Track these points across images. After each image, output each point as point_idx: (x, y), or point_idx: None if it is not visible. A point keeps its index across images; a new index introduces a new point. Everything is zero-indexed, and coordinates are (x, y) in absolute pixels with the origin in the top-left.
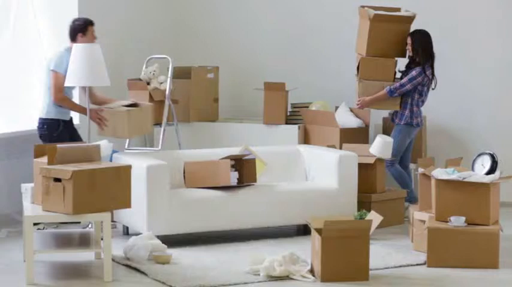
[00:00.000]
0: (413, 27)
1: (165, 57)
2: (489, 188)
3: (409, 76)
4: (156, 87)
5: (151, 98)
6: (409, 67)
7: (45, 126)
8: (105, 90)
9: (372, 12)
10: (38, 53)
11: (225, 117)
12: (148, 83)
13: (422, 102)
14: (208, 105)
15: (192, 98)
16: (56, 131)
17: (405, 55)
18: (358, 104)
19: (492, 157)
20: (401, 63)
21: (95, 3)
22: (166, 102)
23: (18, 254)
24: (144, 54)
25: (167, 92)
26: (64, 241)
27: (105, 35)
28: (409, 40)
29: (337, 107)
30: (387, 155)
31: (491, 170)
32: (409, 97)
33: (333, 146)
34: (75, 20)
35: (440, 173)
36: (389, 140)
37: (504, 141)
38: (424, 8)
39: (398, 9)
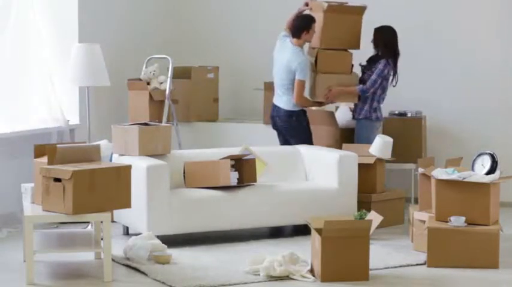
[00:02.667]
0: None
1: (165, 57)
2: (489, 188)
3: (377, 71)
4: (156, 87)
5: (151, 98)
6: (371, 61)
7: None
8: (105, 90)
9: (325, 3)
10: (38, 53)
11: (225, 117)
12: (148, 83)
13: (383, 99)
14: (208, 105)
15: (192, 98)
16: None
17: (359, 46)
18: (326, 96)
19: (492, 157)
20: (363, 57)
21: (95, 3)
22: (166, 102)
23: (18, 254)
24: (144, 54)
25: (167, 92)
26: (64, 241)
27: (105, 35)
28: (374, 35)
29: (337, 107)
30: (387, 155)
31: (491, 170)
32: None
33: (333, 147)
34: (300, 18)
35: (440, 173)
36: (389, 140)
37: (504, 141)
38: (424, 9)
39: (346, 3)
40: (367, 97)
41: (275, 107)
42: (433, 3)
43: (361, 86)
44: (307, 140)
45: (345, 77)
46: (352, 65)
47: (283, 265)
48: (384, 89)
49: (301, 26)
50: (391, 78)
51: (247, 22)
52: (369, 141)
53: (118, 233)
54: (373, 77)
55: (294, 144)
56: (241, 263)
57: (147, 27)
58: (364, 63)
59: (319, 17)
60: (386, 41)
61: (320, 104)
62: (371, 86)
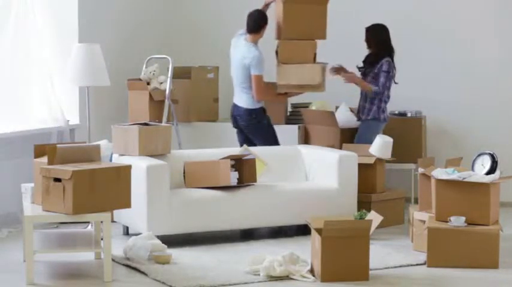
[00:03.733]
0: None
1: (165, 57)
2: (489, 188)
3: (384, 73)
4: (156, 87)
5: (151, 98)
6: (367, 61)
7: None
8: (105, 90)
9: None
10: (38, 53)
11: (225, 117)
12: (148, 83)
13: (389, 97)
14: (208, 105)
15: (192, 98)
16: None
17: (325, 36)
18: (346, 76)
19: (492, 157)
20: (358, 56)
21: (95, 3)
22: (166, 102)
23: (18, 254)
24: (144, 54)
25: (167, 92)
26: (64, 241)
27: (105, 35)
28: (366, 35)
29: (337, 107)
30: (387, 155)
31: (491, 170)
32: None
33: (333, 146)
34: (256, 13)
35: (440, 173)
36: (389, 140)
37: (504, 141)
38: (423, 10)
39: None
40: (375, 98)
41: (235, 106)
42: (433, 3)
43: (376, 87)
44: (270, 138)
45: (308, 67)
46: (315, 54)
47: (283, 265)
48: (389, 88)
49: (258, 21)
50: (394, 75)
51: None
52: (370, 142)
53: (118, 233)
54: (382, 79)
55: (258, 143)
56: (241, 263)
57: (147, 27)
58: (360, 64)
59: (279, 7)
60: (381, 39)
61: (284, 96)
62: (383, 88)
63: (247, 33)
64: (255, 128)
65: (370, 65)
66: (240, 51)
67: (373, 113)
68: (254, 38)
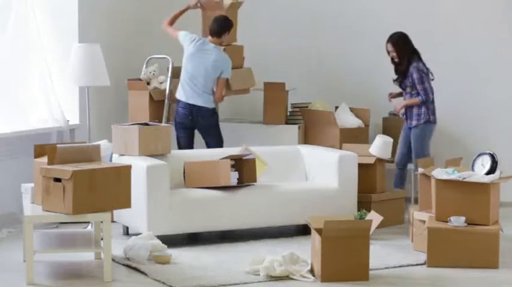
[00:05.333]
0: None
1: (165, 57)
2: (489, 188)
3: (417, 81)
4: (156, 87)
5: (151, 98)
6: (399, 72)
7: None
8: (105, 90)
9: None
10: (38, 53)
11: (225, 117)
12: (148, 83)
13: (433, 94)
14: None
15: None
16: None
17: (235, 39)
18: (396, 112)
19: (492, 157)
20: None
21: (95, 3)
22: (166, 102)
23: (18, 254)
24: (144, 54)
25: (167, 92)
26: (64, 241)
27: (105, 35)
28: (389, 48)
29: (337, 107)
30: (387, 155)
31: (491, 170)
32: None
33: (333, 146)
34: (222, 19)
35: (440, 173)
36: (389, 140)
37: (504, 141)
38: (424, 11)
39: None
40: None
41: (193, 106)
42: (432, 6)
43: (421, 97)
44: (220, 137)
45: (240, 71)
46: (243, 57)
47: (283, 265)
48: (432, 90)
49: (224, 27)
50: (428, 74)
51: (247, 22)
52: (426, 147)
53: (118, 233)
54: (419, 87)
55: (210, 142)
56: (241, 263)
57: (147, 27)
58: (394, 76)
59: (204, 14)
60: (403, 48)
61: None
62: (426, 94)
63: (209, 37)
64: (214, 127)
65: (403, 75)
66: (212, 55)
67: (424, 116)
68: (217, 42)
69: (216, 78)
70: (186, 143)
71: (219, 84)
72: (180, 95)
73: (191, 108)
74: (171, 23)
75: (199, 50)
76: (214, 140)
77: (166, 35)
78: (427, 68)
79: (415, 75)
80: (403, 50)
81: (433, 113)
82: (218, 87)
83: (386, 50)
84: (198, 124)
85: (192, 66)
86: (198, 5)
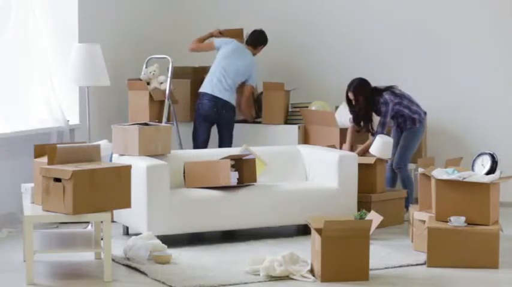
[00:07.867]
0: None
1: (165, 57)
2: (489, 188)
3: (383, 114)
4: (156, 87)
5: (151, 98)
6: (363, 120)
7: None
8: (105, 90)
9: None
10: (38, 53)
11: None
12: (148, 83)
13: (411, 102)
14: None
15: (192, 98)
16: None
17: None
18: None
19: (492, 157)
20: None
21: (95, 3)
22: (166, 102)
23: (18, 254)
24: (144, 54)
25: (167, 92)
26: (64, 241)
27: (105, 35)
28: (351, 96)
29: (337, 107)
30: (387, 155)
31: (491, 170)
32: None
33: (333, 146)
34: (261, 33)
35: (440, 173)
36: (389, 140)
37: (504, 141)
38: (425, 11)
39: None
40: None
41: (219, 99)
42: (432, 5)
43: (376, 132)
44: (232, 136)
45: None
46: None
47: (283, 265)
48: (409, 99)
49: (261, 39)
50: (397, 100)
51: (247, 22)
52: (413, 149)
53: (118, 233)
54: (380, 119)
55: (226, 139)
56: (241, 263)
57: (147, 27)
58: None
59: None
60: (363, 96)
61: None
62: (383, 126)
63: (246, 45)
64: (232, 124)
65: (367, 120)
66: (246, 60)
67: (417, 119)
68: (252, 51)
69: (241, 83)
70: (203, 138)
71: (247, 90)
72: (206, 88)
73: (217, 101)
74: (202, 41)
75: (238, 51)
76: (229, 137)
77: (200, 52)
78: (398, 98)
79: (383, 109)
80: (360, 98)
81: (417, 113)
82: (247, 92)
83: (347, 97)
84: (221, 118)
85: (226, 63)
86: (219, 34)
